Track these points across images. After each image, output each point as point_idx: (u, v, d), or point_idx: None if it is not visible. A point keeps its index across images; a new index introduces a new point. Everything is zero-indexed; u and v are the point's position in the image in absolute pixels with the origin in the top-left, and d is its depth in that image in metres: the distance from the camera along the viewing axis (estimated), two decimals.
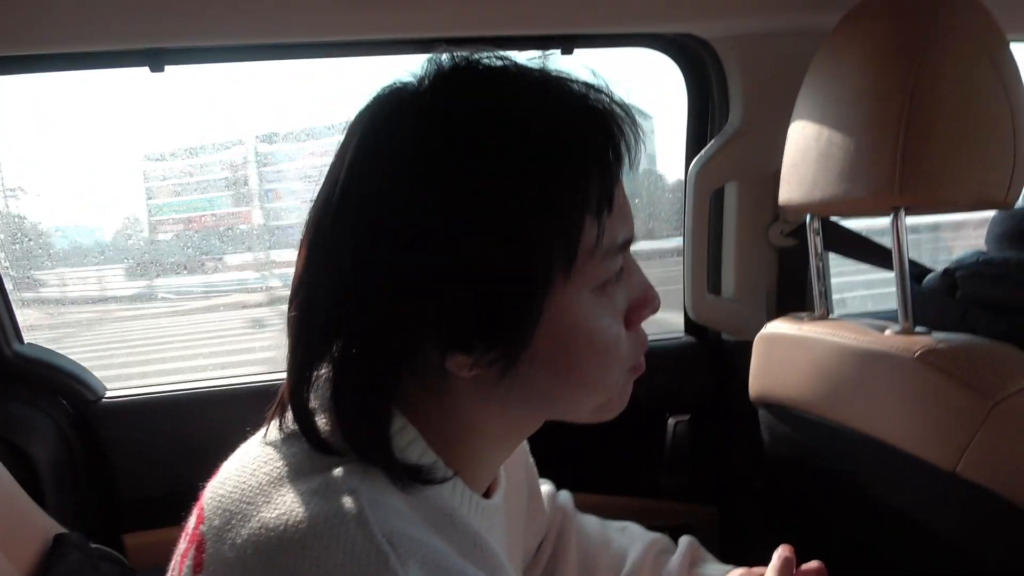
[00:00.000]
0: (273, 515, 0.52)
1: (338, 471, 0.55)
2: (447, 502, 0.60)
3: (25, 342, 1.39)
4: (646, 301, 0.64)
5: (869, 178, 0.96)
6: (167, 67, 1.18)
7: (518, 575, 0.84)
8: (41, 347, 1.40)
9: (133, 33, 1.09)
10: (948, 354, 0.90)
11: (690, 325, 1.61)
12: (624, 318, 0.62)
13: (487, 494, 0.69)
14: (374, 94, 0.59)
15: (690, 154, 1.50)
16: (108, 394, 1.39)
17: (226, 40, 1.15)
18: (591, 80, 0.59)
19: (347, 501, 0.52)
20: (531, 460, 0.89)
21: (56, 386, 1.34)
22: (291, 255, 0.63)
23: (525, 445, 0.87)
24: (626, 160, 0.59)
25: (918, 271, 1.24)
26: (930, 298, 1.13)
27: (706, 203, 1.44)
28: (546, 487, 0.98)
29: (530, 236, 0.54)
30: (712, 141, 1.43)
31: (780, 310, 1.46)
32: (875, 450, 0.98)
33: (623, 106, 0.59)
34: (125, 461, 1.33)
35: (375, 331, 0.56)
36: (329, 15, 1.08)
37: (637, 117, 0.59)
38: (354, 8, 1.07)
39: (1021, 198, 1.04)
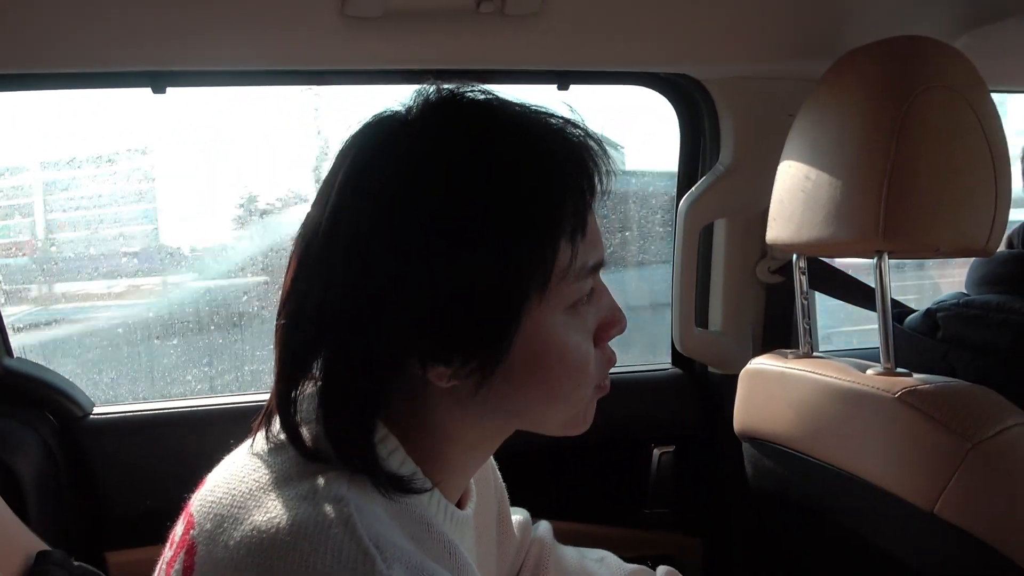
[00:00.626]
0: (264, 519, 0.55)
1: (325, 478, 0.58)
2: (425, 511, 0.63)
3: (15, 356, 1.39)
4: (614, 321, 0.68)
5: (854, 222, 0.99)
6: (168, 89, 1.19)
7: None
8: (31, 362, 1.40)
9: (136, 56, 1.10)
10: (928, 395, 0.92)
11: (677, 357, 1.63)
12: (593, 337, 0.66)
13: (460, 506, 0.72)
14: (364, 121, 0.63)
15: (681, 190, 1.52)
16: (96, 410, 1.39)
17: (225, 65, 1.17)
18: (568, 115, 0.63)
19: (335, 506, 0.55)
20: (500, 481, 0.91)
21: (44, 401, 1.34)
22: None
23: (493, 464, 0.90)
24: (598, 189, 0.63)
25: (901, 311, 1.27)
26: (912, 338, 1.16)
27: (695, 238, 1.47)
28: (520, 516, 0.99)
29: (510, 258, 0.58)
30: (703, 178, 1.45)
31: (766, 345, 1.48)
32: (856, 488, 0.99)
33: (596, 139, 0.63)
34: (110, 478, 1.33)
35: (361, 344, 0.59)
36: (329, 44, 1.10)
37: (609, 149, 0.64)
38: (353, 39, 1.09)
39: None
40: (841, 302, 1.45)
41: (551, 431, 0.68)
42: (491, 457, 0.89)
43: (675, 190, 1.57)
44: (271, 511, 0.55)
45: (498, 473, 0.91)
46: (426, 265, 0.57)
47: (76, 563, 1.02)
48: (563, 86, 1.33)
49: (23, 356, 1.41)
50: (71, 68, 1.13)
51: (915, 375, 0.98)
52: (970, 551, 0.87)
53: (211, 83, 1.24)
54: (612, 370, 1.63)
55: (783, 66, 1.30)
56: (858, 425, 0.99)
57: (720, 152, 1.46)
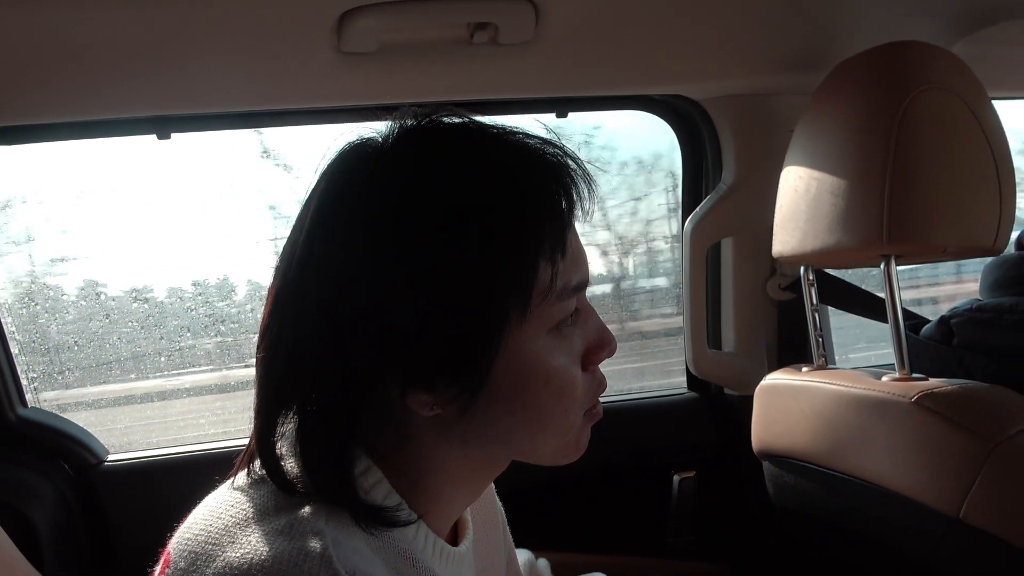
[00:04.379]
0: (238, 555, 0.54)
1: (304, 511, 0.56)
2: (410, 546, 0.61)
3: (29, 406, 1.39)
4: (602, 343, 0.66)
5: (858, 228, 0.98)
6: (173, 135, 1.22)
7: None
8: (44, 411, 1.41)
9: (139, 101, 1.13)
10: (945, 398, 0.90)
11: (692, 380, 1.61)
12: (581, 361, 0.65)
13: (455, 542, 0.70)
14: (340, 148, 0.63)
15: (686, 211, 1.52)
16: (110, 458, 1.39)
17: (226, 107, 1.19)
18: (546, 136, 0.63)
19: (311, 540, 0.53)
20: (502, 511, 0.89)
21: (58, 450, 1.34)
22: None
23: (499, 507, 0.88)
24: (579, 209, 0.63)
25: (916, 322, 1.25)
26: (928, 346, 1.14)
27: (702, 258, 1.46)
28: (523, 557, 0.97)
29: (487, 279, 0.57)
30: (707, 198, 1.45)
31: (781, 363, 1.46)
32: (879, 498, 0.97)
33: (575, 159, 0.63)
34: (125, 525, 1.32)
35: (336, 372, 0.58)
36: (326, 81, 1.12)
37: (589, 169, 0.63)
38: (350, 75, 1.11)
39: (1010, 245, 1.07)
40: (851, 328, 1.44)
41: (543, 460, 0.66)
42: (497, 501, 0.88)
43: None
44: (245, 547, 0.54)
45: (504, 516, 0.90)
46: (399, 289, 0.56)
47: None
48: (561, 114, 1.35)
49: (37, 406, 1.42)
50: (74, 117, 1.16)
51: (931, 379, 0.96)
52: (999, 556, 0.85)
53: (214, 127, 1.26)
54: (626, 397, 1.63)
55: (779, 80, 1.31)
56: (876, 432, 0.97)
57: (723, 171, 1.46)
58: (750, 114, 1.39)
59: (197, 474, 1.41)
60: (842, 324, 1.72)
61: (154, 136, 1.22)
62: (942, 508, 0.88)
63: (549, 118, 1.34)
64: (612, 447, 1.50)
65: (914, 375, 0.99)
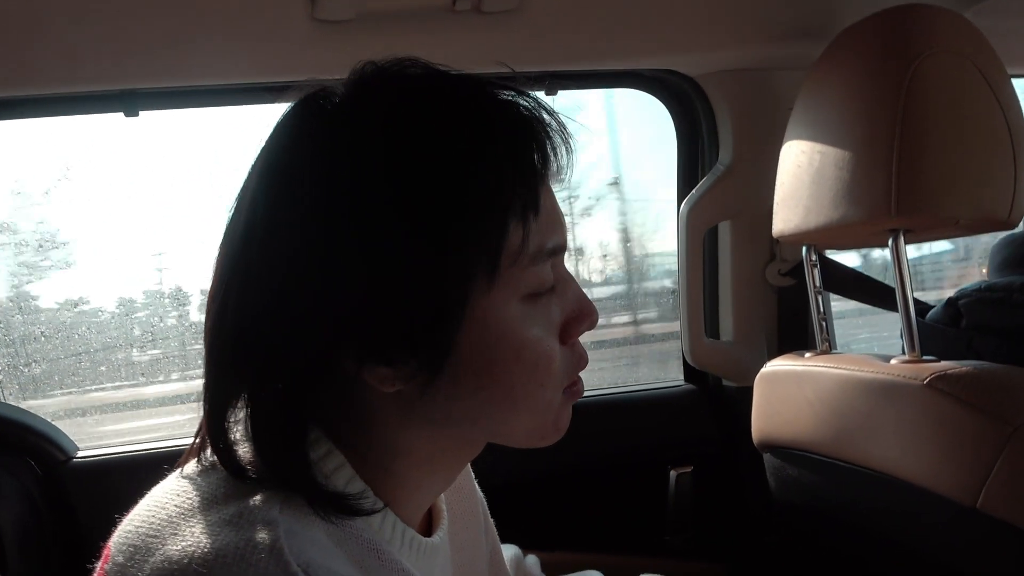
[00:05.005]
0: (178, 548, 0.48)
1: (255, 500, 0.51)
2: (374, 536, 0.56)
3: None
4: (582, 315, 0.60)
5: (864, 200, 0.92)
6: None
7: None
8: (11, 405, 1.35)
9: (105, 74, 1.07)
10: (960, 379, 0.84)
11: (689, 372, 1.56)
12: (560, 333, 0.59)
13: (428, 532, 0.65)
14: (292, 103, 0.57)
15: (681, 193, 1.47)
16: (80, 454, 1.33)
17: (197, 79, 1.13)
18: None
19: (261, 531, 0.48)
20: (483, 502, 0.83)
21: (25, 446, 1.28)
22: None
23: (481, 498, 0.82)
24: (554, 165, 0.57)
25: (921, 307, 1.20)
26: (935, 330, 1.09)
27: (699, 243, 1.41)
28: (510, 552, 0.91)
29: (446, 238, 0.52)
30: (703, 179, 1.40)
31: (781, 352, 1.40)
32: (889, 488, 0.91)
33: (552, 112, 0.57)
34: (95, 525, 1.25)
35: (288, 346, 0.52)
36: (300, 52, 1.06)
37: (568, 125, 0.57)
38: (326, 45, 1.05)
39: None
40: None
41: (518, 441, 0.60)
42: (478, 491, 0.82)
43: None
44: (187, 539, 0.49)
45: (487, 511, 0.84)
46: (348, 249, 0.51)
47: None
48: (551, 91, 1.29)
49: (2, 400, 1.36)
50: (31, 90, 1.09)
51: (943, 361, 0.90)
52: (1019, 548, 0.79)
53: (184, 104, 1.20)
54: (621, 390, 1.57)
55: (777, 53, 1.25)
56: (886, 418, 0.91)
57: (719, 151, 1.40)
58: (747, 90, 1.34)
59: (170, 469, 1.35)
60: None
61: (121, 114, 1.16)
62: (957, 497, 0.82)
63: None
64: (606, 441, 1.45)
65: (925, 357, 0.93)
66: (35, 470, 1.28)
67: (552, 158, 0.56)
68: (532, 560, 0.95)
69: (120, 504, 1.36)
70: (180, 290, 1.58)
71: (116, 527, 0.56)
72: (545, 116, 0.56)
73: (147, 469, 1.34)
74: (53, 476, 1.28)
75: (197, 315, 1.59)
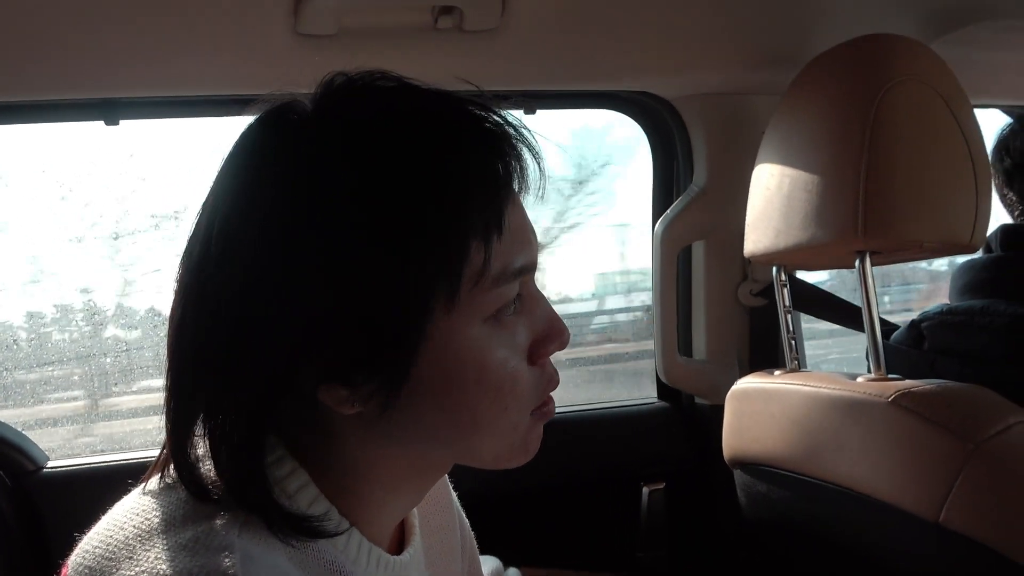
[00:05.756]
0: (132, 573, 0.48)
1: (215, 523, 0.50)
2: (338, 557, 0.55)
3: None
4: (552, 334, 0.58)
5: (833, 222, 0.95)
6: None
7: None
8: None
9: (87, 83, 1.07)
10: (924, 397, 0.87)
11: (663, 389, 1.57)
12: (528, 354, 0.58)
13: (399, 550, 0.64)
14: (257, 116, 0.56)
15: (656, 213, 1.49)
16: (50, 464, 1.31)
17: (179, 90, 1.14)
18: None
19: (217, 558, 0.47)
20: (469, 531, 0.82)
21: None
22: None
23: (459, 511, 0.81)
24: (521, 182, 0.56)
25: (887, 328, 1.23)
26: (899, 352, 1.12)
27: (673, 262, 1.43)
28: (490, 565, 0.91)
29: (405, 262, 0.50)
30: (678, 200, 1.42)
31: (753, 371, 1.42)
32: (855, 503, 0.93)
33: (519, 129, 0.55)
34: (63, 535, 1.24)
35: (246, 365, 0.51)
36: (283, 66, 1.07)
37: (536, 142, 0.56)
38: (308, 59, 1.06)
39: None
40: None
41: (483, 463, 0.59)
42: (457, 505, 0.81)
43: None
44: (141, 563, 0.48)
45: (466, 522, 0.83)
46: (305, 266, 0.50)
47: None
48: (530, 110, 1.31)
49: None
50: (15, 97, 1.09)
51: (908, 380, 0.93)
52: (981, 563, 0.81)
53: (165, 114, 1.21)
54: (595, 406, 1.58)
55: (751, 78, 1.28)
56: (851, 435, 0.93)
57: (694, 172, 1.43)
58: (722, 114, 1.36)
59: (136, 485, 1.34)
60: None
61: (101, 122, 1.16)
62: (921, 512, 0.84)
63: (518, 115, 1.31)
64: (580, 458, 1.46)
65: (890, 375, 0.96)
66: (4, 480, 1.26)
67: (517, 175, 0.55)
68: (514, 572, 0.95)
69: (90, 515, 1.34)
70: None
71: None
72: (512, 132, 0.55)
73: (117, 480, 1.33)
74: (21, 487, 1.27)
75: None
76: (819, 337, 1.98)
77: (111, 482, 1.31)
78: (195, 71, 1.09)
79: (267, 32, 1.02)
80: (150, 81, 1.10)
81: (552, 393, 0.61)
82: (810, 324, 1.57)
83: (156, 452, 1.29)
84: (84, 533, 0.56)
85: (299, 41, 1.04)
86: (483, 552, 0.93)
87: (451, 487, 0.81)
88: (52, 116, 1.18)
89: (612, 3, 1.09)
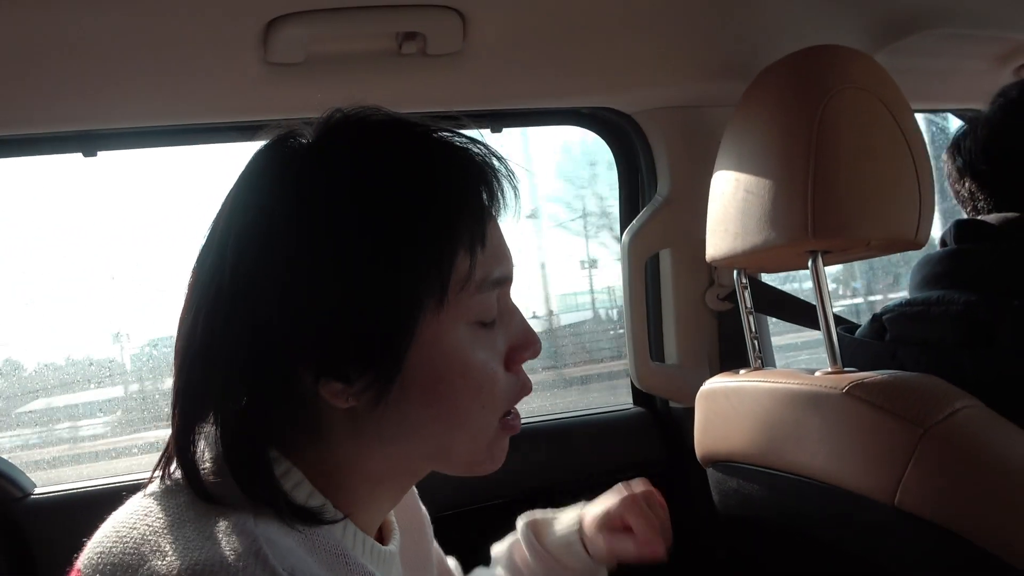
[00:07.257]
0: (164, 563, 0.51)
1: (228, 517, 0.55)
2: (339, 542, 0.60)
3: None
4: (527, 343, 0.66)
5: (785, 225, 0.99)
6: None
7: None
8: None
9: (63, 115, 1.10)
10: (875, 387, 0.91)
11: (638, 395, 1.61)
12: (505, 360, 0.65)
13: (382, 541, 0.69)
14: (266, 142, 0.64)
15: (624, 223, 1.54)
16: (37, 491, 1.33)
17: (154, 120, 1.17)
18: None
19: (244, 542, 0.52)
20: (427, 517, 0.88)
21: None
22: None
23: (424, 514, 0.87)
24: (501, 204, 0.64)
25: (851, 325, 1.27)
26: (863, 344, 1.16)
27: (641, 270, 1.47)
28: (452, 562, 0.95)
29: (401, 267, 0.58)
30: (644, 210, 1.47)
31: (723, 372, 1.47)
32: (819, 493, 0.97)
33: (500, 158, 0.65)
34: (51, 562, 1.25)
35: (253, 360, 0.57)
36: (254, 93, 1.11)
37: (513, 169, 0.65)
38: (278, 86, 1.10)
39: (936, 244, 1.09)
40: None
41: (455, 467, 0.66)
42: (422, 507, 0.87)
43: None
44: (170, 554, 0.52)
45: (428, 520, 0.88)
46: (314, 275, 0.57)
47: None
48: (496, 129, 1.35)
49: None
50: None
51: (862, 372, 0.97)
52: (936, 541, 0.85)
53: (142, 144, 1.24)
54: (571, 414, 1.61)
55: (708, 90, 1.34)
56: (811, 426, 0.98)
57: (658, 183, 1.48)
58: (681, 126, 1.42)
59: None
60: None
61: (80, 154, 1.19)
62: (878, 496, 0.88)
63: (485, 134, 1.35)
64: (557, 465, 1.49)
65: (846, 369, 1.00)
66: None
67: (499, 197, 0.64)
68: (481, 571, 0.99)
69: (78, 541, 1.36)
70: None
71: (73, 563, 0.58)
72: (494, 161, 0.64)
73: (105, 506, 1.34)
74: (8, 514, 1.28)
75: None
76: (813, 347, 2.05)
77: (98, 508, 1.33)
78: (170, 101, 1.12)
79: (237, 62, 1.05)
80: (126, 112, 1.13)
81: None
82: (807, 335, 1.62)
83: (139, 476, 1.32)
84: (72, 557, 0.59)
85: (269, 69, 1.07)
86: (465, 559, 0.96)
87: (417, 495, 0.86)
88: (31, 150, 1.21)
89: (571, 24, 1.14)
